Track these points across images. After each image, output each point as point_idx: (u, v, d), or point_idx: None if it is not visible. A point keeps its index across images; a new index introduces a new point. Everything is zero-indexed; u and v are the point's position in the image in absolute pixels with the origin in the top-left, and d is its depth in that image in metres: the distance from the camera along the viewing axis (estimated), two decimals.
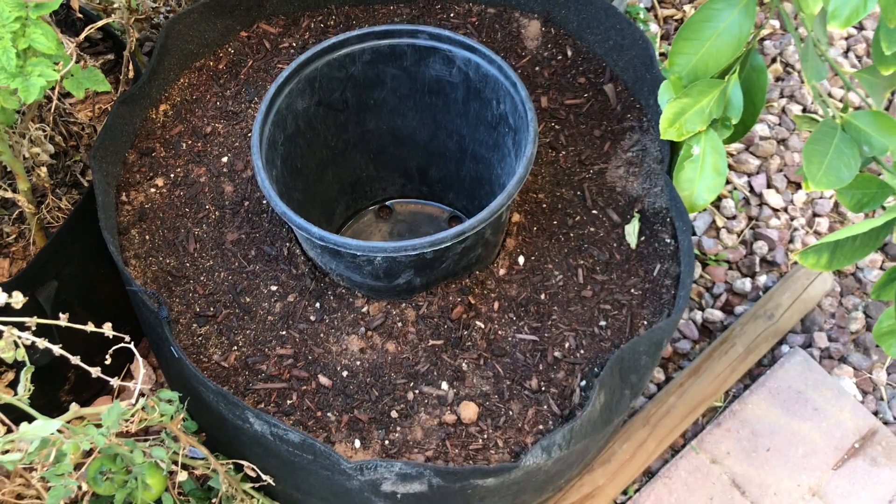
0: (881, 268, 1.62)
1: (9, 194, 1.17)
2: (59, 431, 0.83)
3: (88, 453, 0.91)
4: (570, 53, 1.34)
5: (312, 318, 1.13)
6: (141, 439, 0.98)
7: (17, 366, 1.17)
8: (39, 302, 1.17)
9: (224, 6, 1.32)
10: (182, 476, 0.96)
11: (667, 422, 1.41)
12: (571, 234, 1.19)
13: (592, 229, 1.19)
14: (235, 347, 1.11)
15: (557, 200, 1.21)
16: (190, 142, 1.27)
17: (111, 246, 1.09)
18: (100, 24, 1.19)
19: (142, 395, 1.45)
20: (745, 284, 1.57)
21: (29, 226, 1.22)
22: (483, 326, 1.12)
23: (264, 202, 1.22)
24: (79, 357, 0.87)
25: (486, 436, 1.05)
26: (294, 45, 1.36)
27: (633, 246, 1.17)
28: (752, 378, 1.49)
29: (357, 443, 1.05)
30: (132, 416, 0.91)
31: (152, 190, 1.23)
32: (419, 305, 1.13)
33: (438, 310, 1.13)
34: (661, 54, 1.85)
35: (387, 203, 1.39)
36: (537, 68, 1.33)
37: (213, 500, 1.07)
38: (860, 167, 0.99)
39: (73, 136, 1.33)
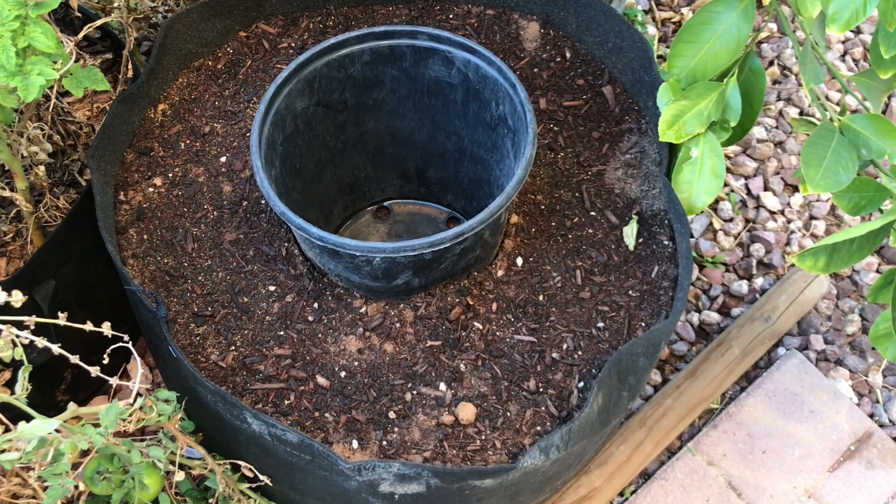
0: (877, 271, 1.62)
1: (7, 193, 1.17)
2: (56, 431, 0.83)
3: (86, 453, 0.91)
4: (568, 55, 1.34)
5: (310, 318, 1.13)
6: (138, 439, 0.98)
7: (14, 365, 1.16)
8: (37, 301, 1.17)
9: (223, 6, 1.32)
10: (179, 476, 0.96)
11: (663, 424, 1.41)
12: (570, 236, 1.19)
13: (591, 231, 1.19)
14: (233, 347, 1.11)
15: (556, 202, 1.22)
16: (188, 141, 1.27)
17: (109, 245, 1.09)
18: (98, 23, 1.19)
19: (139, 394, 1.45)
20: (742, 287, 1.57)
21: (27, 225, 1.22)
22: (481, 327, 1.12)
23: (263, 202, 1.22)
24: (77, 357, 0.87)
25: (483, 437, 1.05)
26: (293, 45, 1.36)
27: (631, 248, 1.17)
28: (748, 380, 1.49)
29: (355, 443, 1.05)
30: (130, 415, 0.91)
31: (150, 189, 1.23)
32: (417, 306, 1.13)
33: (437, 311, 1.13)
34: (659, 57, 1.85)
35: (385, 204, 1.39)
36: (536, 70, 1.33)
37: (210, 501, 1.07)
38: (858, 170, 1.00)
39: (72, 135, 1.33)
